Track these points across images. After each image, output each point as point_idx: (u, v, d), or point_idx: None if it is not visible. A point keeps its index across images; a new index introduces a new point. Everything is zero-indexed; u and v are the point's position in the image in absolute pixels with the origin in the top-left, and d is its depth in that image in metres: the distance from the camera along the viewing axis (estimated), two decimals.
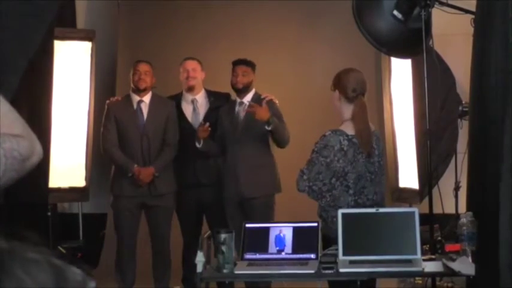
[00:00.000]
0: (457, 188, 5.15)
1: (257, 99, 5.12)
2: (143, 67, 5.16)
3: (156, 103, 5.18)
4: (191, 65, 5.23)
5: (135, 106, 5.15)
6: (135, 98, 5.16)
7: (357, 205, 3.49)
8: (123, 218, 5.10)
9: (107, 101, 5.29)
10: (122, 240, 5.15)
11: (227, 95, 5.29)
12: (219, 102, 5.24)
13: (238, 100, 5.12)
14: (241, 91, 5.11)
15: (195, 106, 5.24)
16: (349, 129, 3.53)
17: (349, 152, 3.48)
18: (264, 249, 3.35)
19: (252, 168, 4.94)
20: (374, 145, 3.58)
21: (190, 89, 5.22)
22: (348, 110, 3.58)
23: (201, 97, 5.26)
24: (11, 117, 1.52)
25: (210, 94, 5.28)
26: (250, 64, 5.19)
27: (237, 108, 5.11)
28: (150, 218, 5.18)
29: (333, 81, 3.66)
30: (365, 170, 3.53)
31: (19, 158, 1.48)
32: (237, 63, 5.20)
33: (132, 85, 5.17)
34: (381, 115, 6.24)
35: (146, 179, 5.00)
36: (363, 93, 3.60)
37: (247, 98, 5.12)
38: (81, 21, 7.02)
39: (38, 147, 1.55)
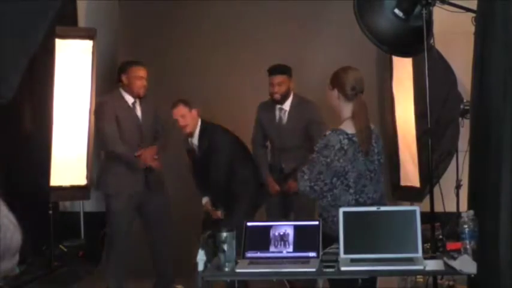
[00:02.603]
0: (458, 187, 5.16)
1: (297, 102, 5.12)
2: (143, 72, 5.11)
3: (145, 103, 5.20)
4: (178, 112, 5.14)
5: (131, 107, 5.13)
6: (129, 98, 5.12)
7: (357, 204, 3.48)
8: (121, 215, 5.09)
9: (99, 99, 5.30)
10: (116, 238, 5.12)
11: (217, 127, 5.22)
12: (206, 141, 5.17)
13: (278, 106, 5.14)
14: (280, 101, 5.11)
15: (193, 146, 5.25)
16: (349, 128, 3.52)
17: (349, 151, 3.47)
18: (266, 247, 3.36)
19: (294, 168, 5.02)
20: (373, 143, 3.58)
21: (189, 135, 5.21)
22: (347, 108, 3.57)
23: (195, 138, 5.23)
24: None
25: (201, 132, 5.19)
26: (285, 71, 5.09)
27: (277, 113, 5.14)
28: (148, 215, 5.18)
29: (330, 80, 3.64)
30: (365, 168, 3.53)
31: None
32: (272, 72, 5.08)
33: (128, 87, 5.10)
34: (382, 113, 6.24)
35: (148, 160, 5.05)
36: (362, 91, 3.59)
37: (287, 104, 5.12)
38: (82, 20, 7.02)
39: None
